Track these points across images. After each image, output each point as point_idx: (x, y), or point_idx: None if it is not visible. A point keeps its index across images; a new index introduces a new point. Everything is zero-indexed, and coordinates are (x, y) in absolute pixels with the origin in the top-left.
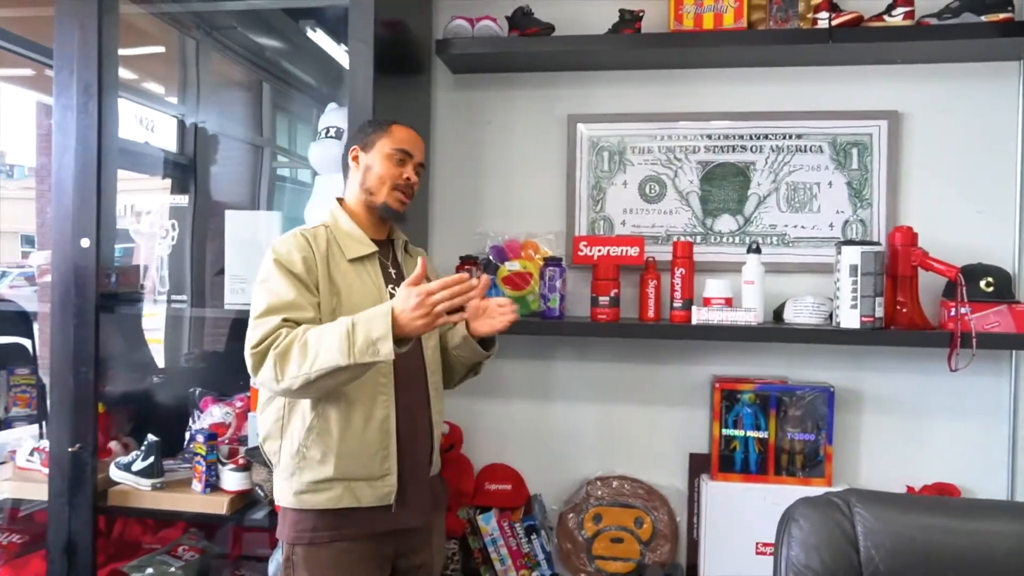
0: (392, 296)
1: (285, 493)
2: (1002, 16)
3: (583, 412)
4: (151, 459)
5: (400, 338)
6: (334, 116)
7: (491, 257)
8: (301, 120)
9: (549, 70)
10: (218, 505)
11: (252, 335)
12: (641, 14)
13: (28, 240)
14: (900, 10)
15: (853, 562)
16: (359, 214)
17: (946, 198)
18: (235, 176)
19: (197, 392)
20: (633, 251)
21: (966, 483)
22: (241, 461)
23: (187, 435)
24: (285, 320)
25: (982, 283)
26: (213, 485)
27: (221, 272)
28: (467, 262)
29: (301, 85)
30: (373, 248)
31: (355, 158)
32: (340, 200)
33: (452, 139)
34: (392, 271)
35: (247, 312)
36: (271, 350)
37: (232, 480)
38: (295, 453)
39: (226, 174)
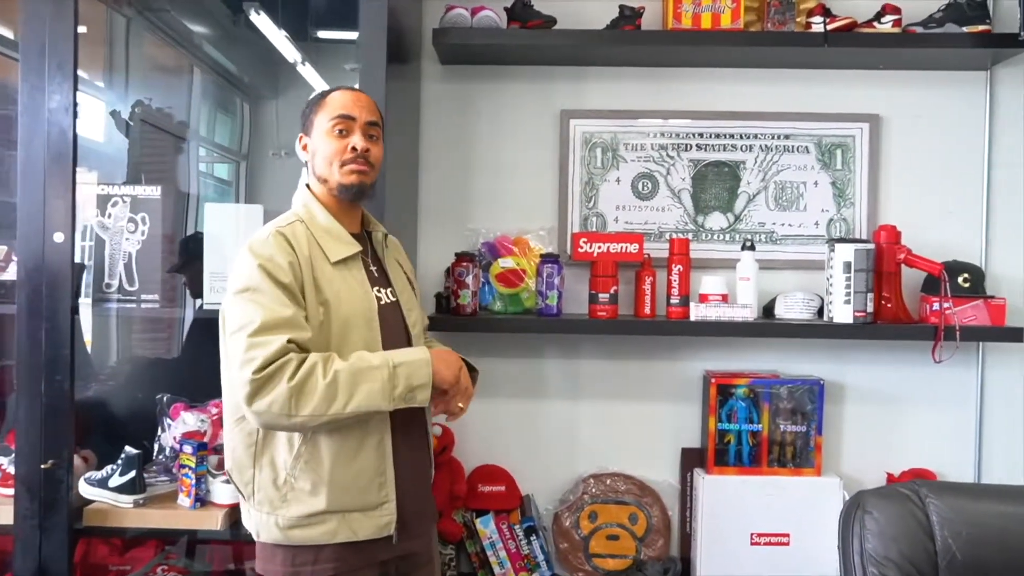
0: (379, 299)
1: (268, 528)
2: (980, 28)
3: (575, 410)
4: (131, 474)
5: None
6: None
7: (483, 252)
8: (222, 110)
9: (543, 64)
10: (211, 520)
11: (251, 356)
12: (642, 11)
13: None
14: (889, 17)
15: (929, 552)
16: (330, 204)
17: (921, 198)
18: (165, 168)
19: (165, 399)
20: (633, 248)
21: (940, 468)
22: None
23: (156, 446)
24: (289, 341)
25: (960, 279)
26: (202, 499)
27: (174, 269)
28: (463, 259)
29: (229, 74)
30: (357, 248)
31: (304, 147)
32: (309, 187)
33: (441, 132)
34: (374, 268)
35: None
36: (283, 381)
37: (225, 493)
38: (280, 484)
39: (156, 165)
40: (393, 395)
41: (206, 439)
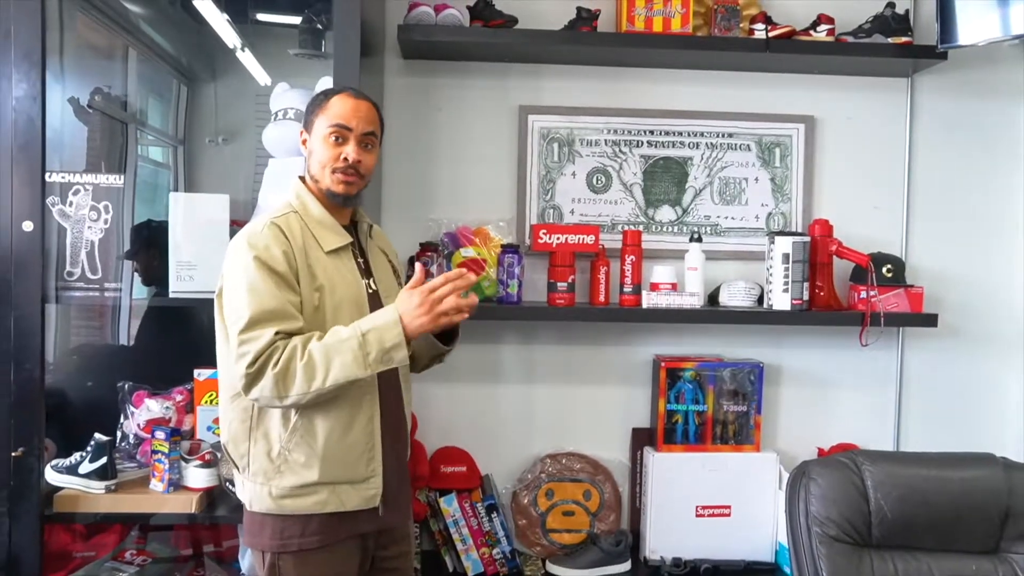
0: (369, 289)
1: (261, 498)
2: (903, 39)
3: (532, 394)
4: (102, 460)
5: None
6: (290, 97)
7: (446, 242)
8: (157, 94)
9: (502, 61)
10: (185, 504)
11: (243, 351)
12: (598, 13)
13: None
14: (824, 27)
15: (864, 512)
16: (323, 199)
17: (849, 195)
18: (116, 156)
19: (127, 386)
20: (589, 239)
21: (864, 443)
22: (207, 457)
23: (118, 433)
24: (277, 333)
25: (884, 269)
26: (176, 483)
27: (128, 255)
28: (427, 249)
29: (166, 54)
30: (349, 239)
31: (304, 143)
32: (303, 179)
33: (403, 125)
34: (361, 261)
35: (192, 300)
36: (268, 370)
37: (199, 477)
38: (274, 456)
39: (109, 153)
40: (367, 362)
41: (171, 425)
